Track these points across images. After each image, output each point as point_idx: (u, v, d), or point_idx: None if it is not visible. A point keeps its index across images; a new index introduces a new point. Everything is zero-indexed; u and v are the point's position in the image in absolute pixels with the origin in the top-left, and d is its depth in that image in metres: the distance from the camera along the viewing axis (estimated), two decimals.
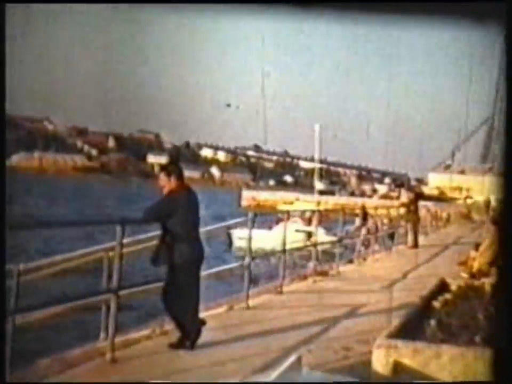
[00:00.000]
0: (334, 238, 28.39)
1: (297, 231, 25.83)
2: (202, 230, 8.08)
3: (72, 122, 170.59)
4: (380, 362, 5.79)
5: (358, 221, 20.57)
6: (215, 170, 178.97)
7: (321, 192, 76.27)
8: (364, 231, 20.66)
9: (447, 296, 7.99)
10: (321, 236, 21.11)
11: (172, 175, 6.84)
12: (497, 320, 2.51)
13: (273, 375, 4.33)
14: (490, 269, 10.92)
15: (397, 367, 5.68)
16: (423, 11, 2.47)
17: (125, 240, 6.63)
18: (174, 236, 6.71)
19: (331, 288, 11.72)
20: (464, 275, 11.33)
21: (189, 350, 6.71)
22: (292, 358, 4.64)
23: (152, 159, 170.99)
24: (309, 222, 28.88)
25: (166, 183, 6.83)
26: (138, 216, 7.09)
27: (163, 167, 7.15)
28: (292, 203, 69.69)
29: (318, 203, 60.81)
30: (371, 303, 9.86)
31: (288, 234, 11.98)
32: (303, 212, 39.06)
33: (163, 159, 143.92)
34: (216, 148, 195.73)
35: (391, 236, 21.17)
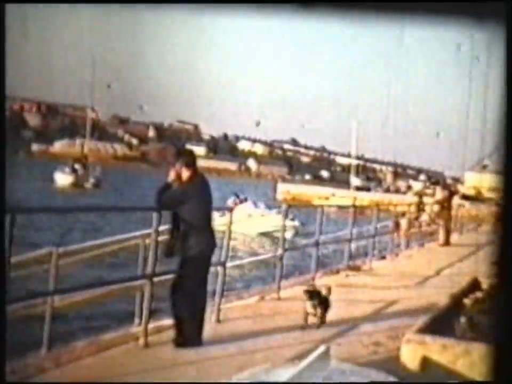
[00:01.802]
0: (295, 223, 28.86)
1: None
2: None
3: (114, 111, 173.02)
4: (408, 357, 5.84)
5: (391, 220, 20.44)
6: (251, 163, 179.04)
7: (358, 188, 76.14)
8: (416, 223, 20.73)
9: (478, 294, 7.97)
10: (277, 219, 21.13)
11: (187, 163, 6.66)
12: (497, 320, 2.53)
13: (302, 364, 4.43)
14: None
15: (425, 363, 5.72)
16: (423, 11, 2.49)
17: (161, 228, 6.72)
18: (188, 225, 6.53)
19: (363, 283, 11.72)
20: None
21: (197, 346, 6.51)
22: (321, 349, 4.73)
23: None
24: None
25: (181, 171, 6.64)
26: None
27: (178, 154, 6.88)
28: (327, 198, 69.48)
29: (354, 199, 60.65)
30: (403, 299, 9.86)
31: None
32: (339, 206, 39.09)
33: (201, 150, 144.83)
34: (253, 141, 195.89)
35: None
